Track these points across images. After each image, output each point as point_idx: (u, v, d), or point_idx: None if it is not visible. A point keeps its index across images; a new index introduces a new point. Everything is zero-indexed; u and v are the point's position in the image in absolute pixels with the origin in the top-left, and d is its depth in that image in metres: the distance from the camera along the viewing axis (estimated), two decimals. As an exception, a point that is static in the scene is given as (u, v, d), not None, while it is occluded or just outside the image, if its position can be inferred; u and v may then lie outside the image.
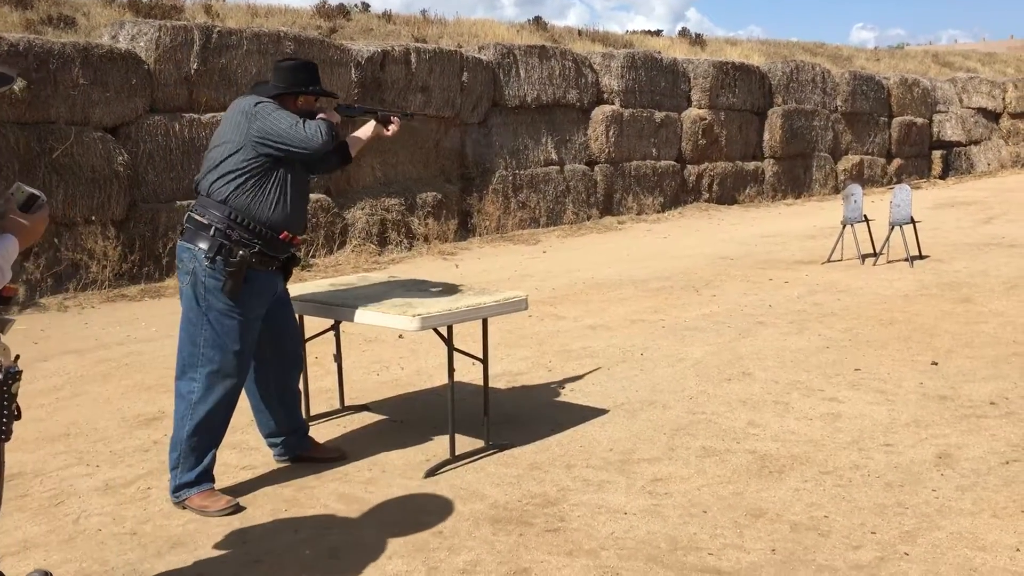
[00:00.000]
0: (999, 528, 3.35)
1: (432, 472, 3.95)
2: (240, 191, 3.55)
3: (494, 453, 4.17)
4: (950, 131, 20.42)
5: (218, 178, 3.58)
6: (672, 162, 14.40)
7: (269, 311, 3.74)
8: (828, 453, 4.13)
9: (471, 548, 3.26)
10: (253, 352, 3.72)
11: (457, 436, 4.10)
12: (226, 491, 3.73)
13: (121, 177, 8.33)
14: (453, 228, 11.31)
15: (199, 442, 3.62)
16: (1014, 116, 21.66)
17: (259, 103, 3.58)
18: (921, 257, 9.58)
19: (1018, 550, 3.18)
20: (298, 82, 3.74)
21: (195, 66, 8.91)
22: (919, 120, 19.58)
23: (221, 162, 3.58)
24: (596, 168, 13.28)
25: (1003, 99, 21.56)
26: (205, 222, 3.55)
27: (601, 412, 4.76)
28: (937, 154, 20.26)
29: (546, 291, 8.17)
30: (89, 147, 8.13)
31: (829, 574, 3.04)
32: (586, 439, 4.37)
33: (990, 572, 3.03)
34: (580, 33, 17.18)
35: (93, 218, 8.17)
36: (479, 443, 4.23)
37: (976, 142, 20.93)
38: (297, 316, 4.32)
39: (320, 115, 3.72)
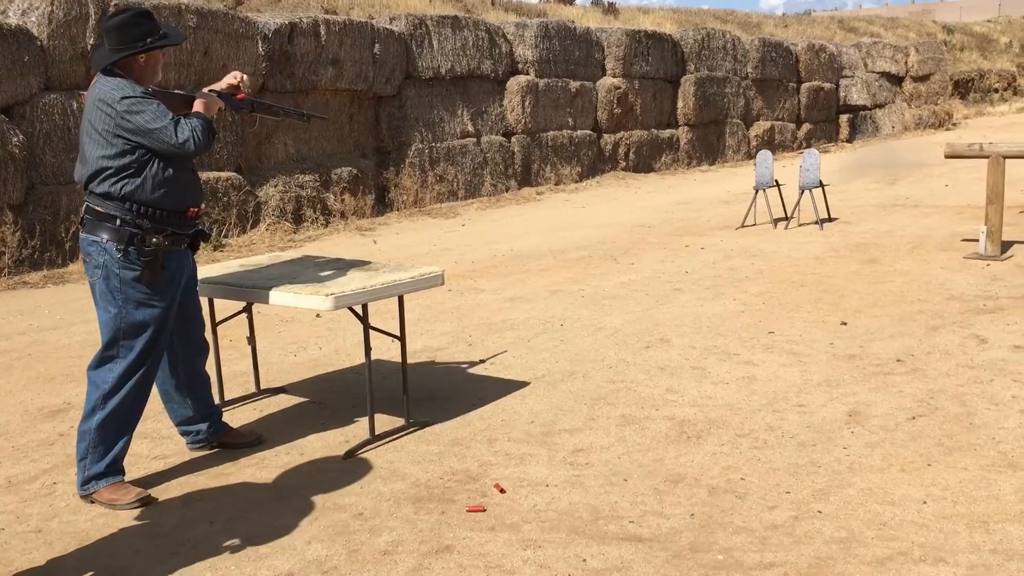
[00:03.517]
0: (907, 482, 3.46)
1: (351, 453, 3.89)
2: (129, 184, 3.37)
3: (415, 431, 4.14)
4: (856, 95, 20.97)
5: (103, 178, 3.38)
6: (588, 131, 14.45)
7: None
8: (744, 416, 4.21)
9: (392, 528, 3.22)
10: (167, 339, 3.60)
11: (377, 415, 4.05)
12: (137, 483, 3.61)
13: (17, 159, 7.96)
14: (370, 203, 11.15)
15: (110, 432, 3.48)
16: (916, 79, 22.35)
17: (124, 98, 3.32)
18: (830, 220, 9.83)
19: (925, 503, 3.29)
20: (133, 39, 3.41)
21: (92, 41, 8.52)
22: (826, 85, 20.05)
23: (99, 158, 3.38)
24: (513, 139, 13.23)
25: (905, 63, 22.22)
26: (108, 212, 3.38)
27: (522, 385, 4.76)
28: (844, 118, 20.81)
29: (466, 264, 8.13)
30: (-20, 128, 7.74)
31: (746, 536, 3.10)
32: (507, 412, 4.36)
33: (899, 525, 3.13)
34: (493, 3, 17.05)
35: (-12, 203, 7.80)
36: (399, 421, 4.18)
37: (881, 106, 21.54)
38: (207, 299, 4.19)
39: (197, 103, 3.51)
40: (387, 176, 11.59)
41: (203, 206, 3.67)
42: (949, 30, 29.30)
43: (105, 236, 3.38)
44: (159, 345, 3.53)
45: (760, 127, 18.02)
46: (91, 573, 3.00)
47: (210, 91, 3.70)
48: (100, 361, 3.50)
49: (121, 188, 3.38)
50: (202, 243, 3.80)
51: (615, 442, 3.96)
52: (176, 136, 3.33)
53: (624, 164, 15.10)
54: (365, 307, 3.87)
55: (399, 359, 4.25)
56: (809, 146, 17.86)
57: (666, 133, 15.95)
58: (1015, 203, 9.60)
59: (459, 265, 8.04)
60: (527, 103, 13.24)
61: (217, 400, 4.23)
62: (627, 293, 6.81)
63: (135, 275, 3.40)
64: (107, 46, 3.45)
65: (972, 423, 4.02)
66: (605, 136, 14.80)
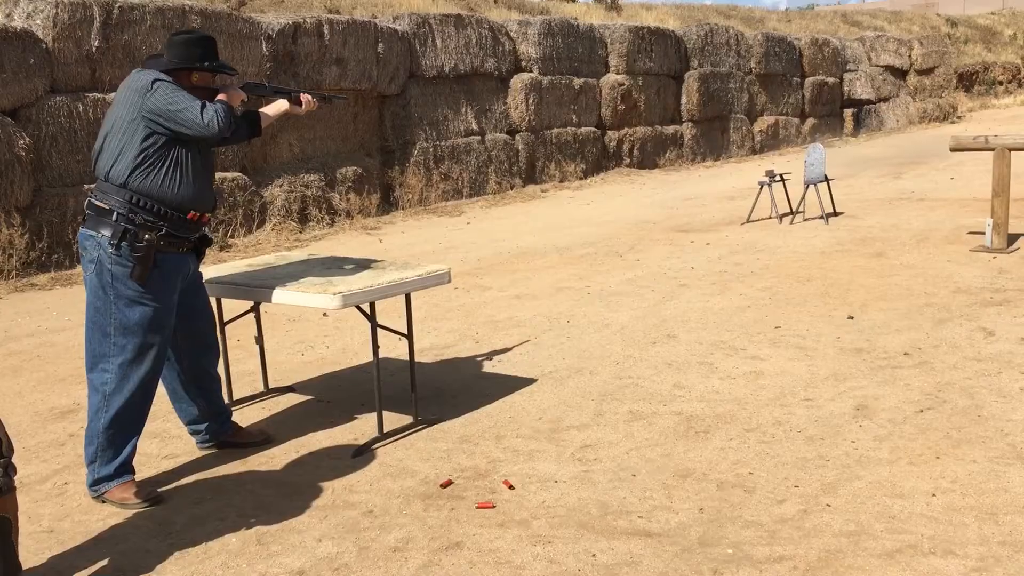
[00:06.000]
0: (916, 475, 3.46)
1: (360, 451, 3.90)
2: (139, 173, 3.40)
3: (423, 428, 4.15)
4: (860, 89, 20.93)
5: (115, 161, 3.41)
6: (592, 128, 14.44)
7: (180, 295, 3.62)
8: (751, 411, 4.21)
9: (402, 525, 3.23)
10: (169, 338, 3.61)
11: (385, 413, 4.06)
12: (147, 482, 3.63)
13: (24, 162, 7.99)
14: (375, 202, 11.17)
15: (117, 434, 3.49)
16: (920, 73, 22.31)
17: (156, 80, 3.41)
18: (836, 214, 9.81)
19: (934, 495, 3.29)
20: (192, 57, 3.55)
21: (96, 43, 8.57)
22: (830, 79, 20.01)
23: (116, 143, 3.41)
24: (517, 137, 13.23)
25: (909, 56, 22.18)
26: (106, 207, 3.40)
27: (529, 381, 4.76)
28: (848, 112, 20.77)
29: (471, 262, 8.14)
30: (-13, 131, 7.77)
31: (755, 529, 3.10)
32: (515, 409, 4.37)
33: (908, 518, 3.13)
34: (496, 1, 17.02)
35: (-5, 206, 7.83)
36: (408, 419, 4.20)
37: (885, 99, 21.49)
38: (215, 299, 4.21)
39: (220, 95, 3.57)
40: (392, 175, 11.60)
41: (209, 215, 3.68)
42: (953, 23, 29.20)
43: (102, 231, 3.40)
44: (157, 346, 3.51)
45: (764, 122, 17.99)
46: (103, 572, 3.02)
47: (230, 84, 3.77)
48: (93, 360, 3.49)
49: (125, 169, 3.39)
50: (206, 249, 3.80)
51: (623, 438, 3.96)
52: (201, 116, 3.38)
53: (628, 160, 15.10)
54: (372, 305, 3.89)
55: (406, 357, 4.26)
56: (813, 140, 17.82)
57: (670, 129, 15.93)
58: (1021, 196, 9.57)
59: (465, 263, 8.05)
60: (531, 101, 13.24)
61: (226, 399, 4.24)
62: (633, 289, 6.81)
63: (126, 271, 3.40)
64: (167, 57, 3.57)
65: (980, 415, 4.02)
66: (609, 133, 14.79)
